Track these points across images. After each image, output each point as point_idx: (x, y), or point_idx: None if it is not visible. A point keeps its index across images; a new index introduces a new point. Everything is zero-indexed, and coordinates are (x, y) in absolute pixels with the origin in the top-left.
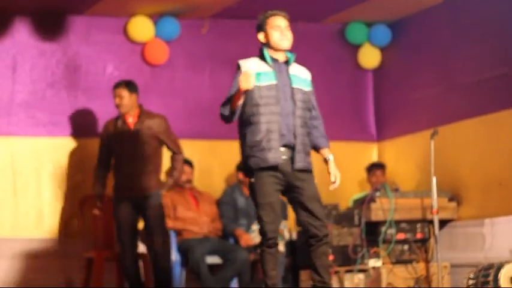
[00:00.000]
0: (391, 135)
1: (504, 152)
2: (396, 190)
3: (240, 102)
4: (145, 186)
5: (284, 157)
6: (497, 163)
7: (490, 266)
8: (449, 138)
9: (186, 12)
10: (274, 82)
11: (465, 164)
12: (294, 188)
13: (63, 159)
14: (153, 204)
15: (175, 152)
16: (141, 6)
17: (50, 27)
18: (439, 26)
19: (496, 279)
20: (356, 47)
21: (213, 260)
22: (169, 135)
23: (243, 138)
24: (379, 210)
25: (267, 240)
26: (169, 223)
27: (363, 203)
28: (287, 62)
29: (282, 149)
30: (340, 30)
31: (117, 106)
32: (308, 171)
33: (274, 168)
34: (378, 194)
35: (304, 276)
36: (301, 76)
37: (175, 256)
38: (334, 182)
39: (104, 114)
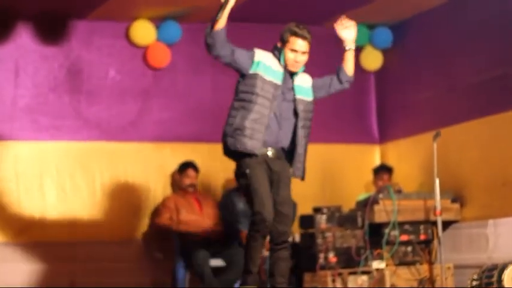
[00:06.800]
0: (394, 137)
1: (507, 153)
2: (399, 192)
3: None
4: None
5: (267, 153)
6: (500, 164)
7: (493, 267)
8: (452, 139)
9: (187, 16)
10: (279, 83)
11: (468, 165)
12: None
13: (66, 163)
14: None
15: None
16: (143, 10)
17: (52, 31)
18: (440, 28)
19: (499, 280)
20: (358, 49)
21: (217, 262)
22: None
23: (231, 119)
24: (382, 212)
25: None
26: (173, 226)
27: (366, 204)
28: (295, 72)
29: (270, 149)
30: None
31: None
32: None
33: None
34: (380, 195)
35: (308, 278)
36: (304, 86)
37: (178, 259)
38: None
39: (106, 118)
